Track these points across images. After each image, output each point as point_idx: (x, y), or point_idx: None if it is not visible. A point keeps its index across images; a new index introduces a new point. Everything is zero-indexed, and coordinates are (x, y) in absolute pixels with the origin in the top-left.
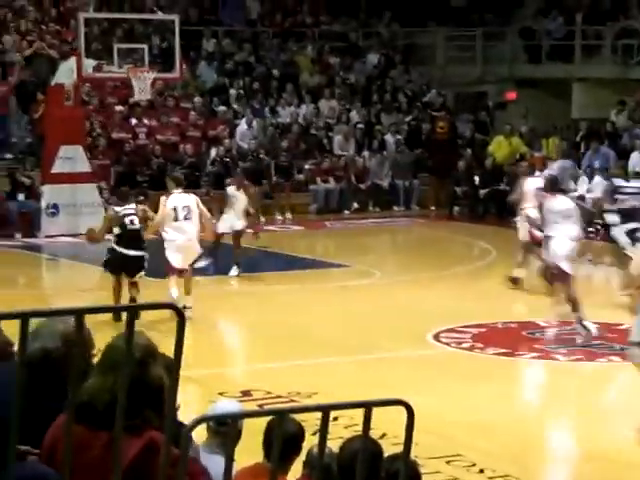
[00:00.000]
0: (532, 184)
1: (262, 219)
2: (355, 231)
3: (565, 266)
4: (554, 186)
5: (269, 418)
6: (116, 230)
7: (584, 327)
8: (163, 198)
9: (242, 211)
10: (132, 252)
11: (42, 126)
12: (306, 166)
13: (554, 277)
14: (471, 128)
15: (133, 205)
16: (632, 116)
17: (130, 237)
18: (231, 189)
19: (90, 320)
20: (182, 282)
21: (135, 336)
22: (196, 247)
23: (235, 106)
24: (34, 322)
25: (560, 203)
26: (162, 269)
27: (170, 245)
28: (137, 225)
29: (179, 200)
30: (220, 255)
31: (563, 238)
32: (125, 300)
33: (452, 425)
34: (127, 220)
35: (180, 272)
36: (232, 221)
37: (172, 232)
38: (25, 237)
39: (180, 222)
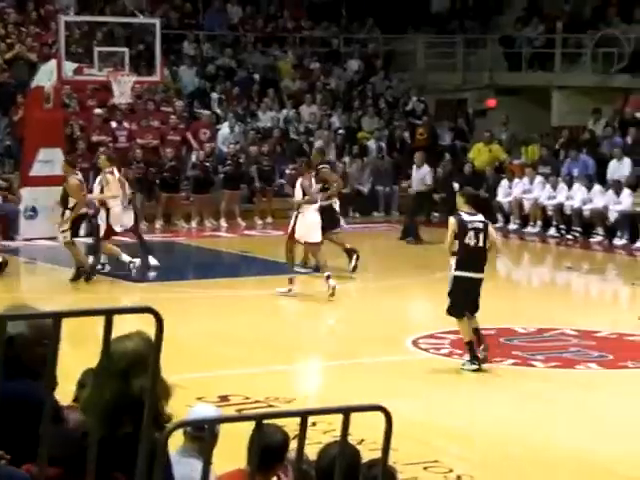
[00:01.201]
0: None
1: (242, 223)
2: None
3: None
4: None
5: (250, 424)
6: None
7: None
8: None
9: None
10: None
11: (21, 129)
12: (287, 171)
13: None
14: (451, 135)
15: None
16: (610, 124)
17: None
18: None
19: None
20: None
21: (129, 339)
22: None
23: (217, 110)
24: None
25: None
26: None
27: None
28: None
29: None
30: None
31: None
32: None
33: (430, 431)
34: None
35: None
36: None
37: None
38: (3, 240)
39: None
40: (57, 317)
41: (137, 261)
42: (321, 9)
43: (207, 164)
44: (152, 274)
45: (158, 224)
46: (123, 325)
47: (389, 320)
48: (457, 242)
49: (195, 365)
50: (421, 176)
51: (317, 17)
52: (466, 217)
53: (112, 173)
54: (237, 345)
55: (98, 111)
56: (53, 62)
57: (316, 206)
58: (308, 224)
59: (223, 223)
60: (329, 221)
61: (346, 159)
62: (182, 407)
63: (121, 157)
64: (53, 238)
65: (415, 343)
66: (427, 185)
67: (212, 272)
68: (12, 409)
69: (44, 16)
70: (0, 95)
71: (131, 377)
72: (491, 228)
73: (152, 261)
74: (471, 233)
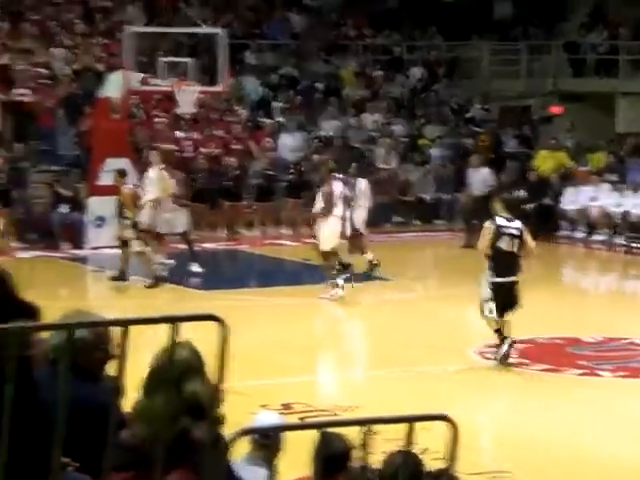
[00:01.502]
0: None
1: (304, 231)
2: (397, 245)
3: None
4: None
5: (313, 432)
6: None
7: None
8: None
9: None
10: None
11: (89, 139)
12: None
13: None
14: (515, 142)
15: None
16: None
17: None
18: None
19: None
20: None
21: (179, 348)
22: None
23: (279, 119)
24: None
25: None
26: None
27: None
28: None
29: None
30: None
31: None
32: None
33: (495, 441)
34: None
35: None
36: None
37: None
38: (71, 249)
39: None
40: (124, 324)
41: (168, 262)
42: (383, 17)
43: (269, 172)
44: (195, 280)
45: (221, 232)
46: (186, 332)
47: (453, 329)
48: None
49: (258, 373)
50: (480, 178)
51: (379, 25)
52: (502, 222)
53: (164, 170)
54: (300, 353)
55: (163, 121)
56: (120, 73)
57: (338, 214)
58: (325, 231)
59: (285, 231)
60: None
61: (409, 167)
62: (246, 415)
63: (185, 166)
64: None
65: (480, 352)
66: (489, 186)
67: (274, 280)
68: (74, 413)
69: (111, 27)
70: (68, 106)
71: (182, 383)
72: (527, 235)
73: (196, 268)
74: (506, 238)
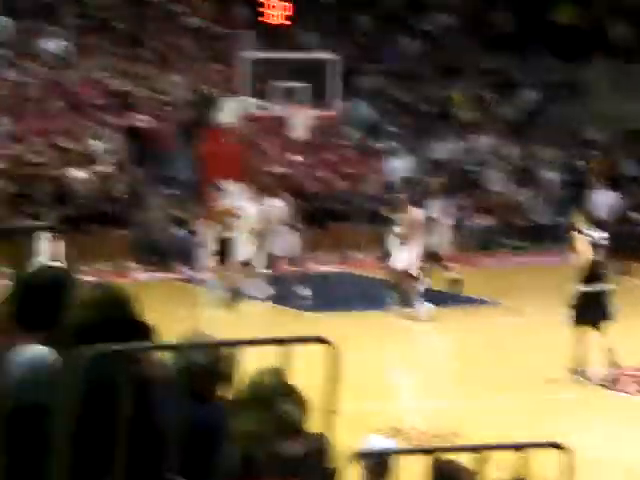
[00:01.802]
0: None
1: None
2: (509, 268)
3: None
4: None
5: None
6: None
7: None
8: None
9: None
10: None
11: (204, 163)
12: (461, 202)
13: None
14: (636, 166)
15: None
16: None
17: None
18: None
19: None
20: None
21: (269, 372)
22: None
23: (390, 143)
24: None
25: None
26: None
27: None
28: None
29: None
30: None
31: None
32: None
33: (609, 468)
34: None
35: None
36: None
37: None
38: (186, 270)
39: None
40: (234, 346)
41: (263, 288)
42: (497, 39)
43: (380, 196)
44: (303, 302)
45: (330, 255)
46: (294, 354)
47: (563, 354)
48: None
49: (368, 396)
50: (604, 202)
51: (494, 47)
52: (592, 233)
53: (263, 196)
54: (409, 376)
55: (276, 145)
56: (235, 98)
57: (418, 237)
58: (404, 253)
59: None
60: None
61: (521, 190)
62: (357, 438)
63: (296, 189)
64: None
65: (592, 378)
66: (614, 210)
67: (382, 302)
68: (189, 434)
69: (227, 53)
70: (185, 131)
71: (275, 404)
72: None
73: (304, 291)
74: (597, 248)
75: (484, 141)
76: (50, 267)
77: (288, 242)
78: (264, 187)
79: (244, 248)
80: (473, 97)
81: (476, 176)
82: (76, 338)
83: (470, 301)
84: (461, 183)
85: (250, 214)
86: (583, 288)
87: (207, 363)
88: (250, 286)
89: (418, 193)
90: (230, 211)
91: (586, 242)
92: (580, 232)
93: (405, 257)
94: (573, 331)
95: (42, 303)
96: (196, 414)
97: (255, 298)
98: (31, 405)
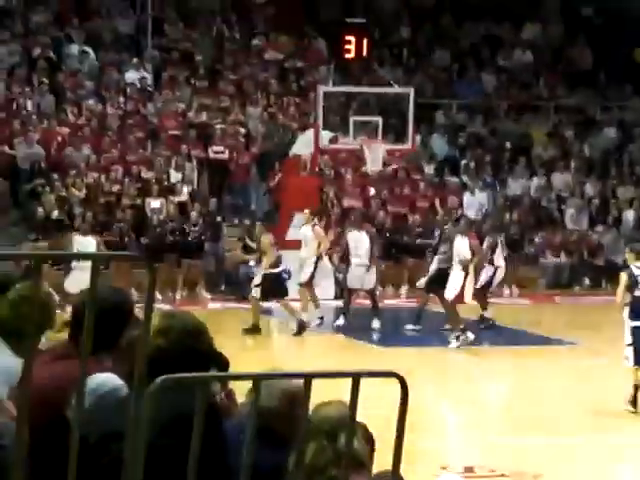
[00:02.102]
0: None
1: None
2: (586, 308)
3: None
4: None
5: None
6: None
7: None
8: None
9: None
10: None
11: (278, 194)
12: (536, 239)
13: None
14: None
15: None
16: None
17: None
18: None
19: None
20: None
21: (330, 405)
22: None
23: (465, 178)
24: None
25: None
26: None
27: None
28: None
29: None
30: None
31: None
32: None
33: None
34: None
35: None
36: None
37: None
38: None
39: None
40: (307, 378)
41: (313, 320)
42: (577, 76)
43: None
44: (375, 336)
45: (403, 289)
46: (365, 388)
47: None
48: (628, 294)
49: (439, 432)
50: None
51: (573, 84)
52: (636, 271)
53: (317, 226)
54: (482, 413)
55: (352, 178)
56: (311, 131)
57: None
58: (451, 280)
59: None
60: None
61: (600, 228)
62: (428, 475)
63: (371, 223)
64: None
65: None
66: None
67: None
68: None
69: (304, 87)
70: (261, 162)
71: (340, 437)
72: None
73: (376, 324)
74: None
75: (562, 178)
76: (111, 290)
77: (366, 275)
78: (349, 220)
79: (305, 274)
80: (552, 134)
81: (553, 213)
82: (151, 366)
83: (546, 340)
84: (538, 220)
85: (317, 242)
86: (631, 323)
87: (283, 407)
88: (312, 316)
89: (487, 227)
90: (297, 243)
91: (626, 280)
92: (627, 269)
93: (459, 287)
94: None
95: (101, 326)
96: (271, 459)
97: (321, 328)
98: (102, 434)
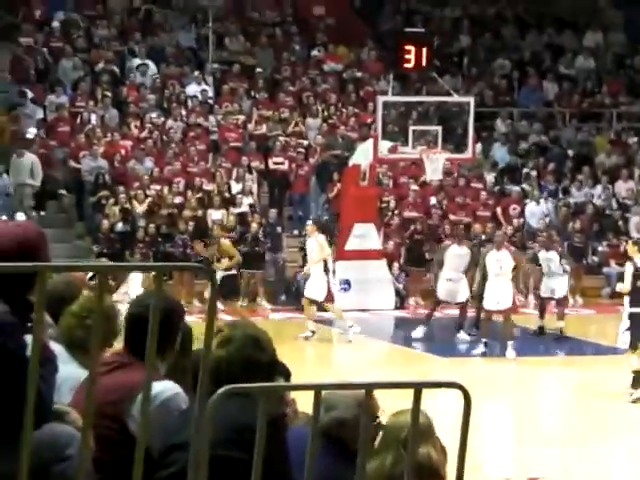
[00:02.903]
0: None
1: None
2: None
3: None
4: None
5: None
6: None
7: None
8: None
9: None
10: None
11: (337, 204)
12: (600, 248)
13: None
14: None
15: None
16: None
17: None
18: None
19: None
20: None
21: (406, 413)
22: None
23: (525, 186)
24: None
25: None
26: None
27: None
28: None
29: None
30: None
31: None
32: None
33: None
34: None
35: None
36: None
37: None
38: (318, 311)
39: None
40: (368, 388)
41: (352, 328)
42: (639, 83)
43: (515, 239)
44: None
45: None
46: (427, 398)
47: None
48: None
49: (504, 443)
50: None
51: (636, 91)
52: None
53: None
54: (546, 424)
55: (413, 187)
56: (370, 141)
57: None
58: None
59: (531, 299)
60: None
61: None
62: None
63: (432, 233)
64: (366, 310)
65: None
66: None
67: (527, 349)
68: None
69: (363, 97)
70: (320, 173)
71: (414, 446)
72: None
73: (461, 335)
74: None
75: (625, 186)
76: (164, 298)
77: (458, 288)
78: (451, 234)
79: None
80: (615, 141)
81: (617, 221)
82: (213, 377)
83: (611, 350)
84: (601, 228)
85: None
86: (629, 310)
87: (353, 419)
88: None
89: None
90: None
91: (632, 271)
92: (631, 260)
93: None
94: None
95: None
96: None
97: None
98: (165, 445)
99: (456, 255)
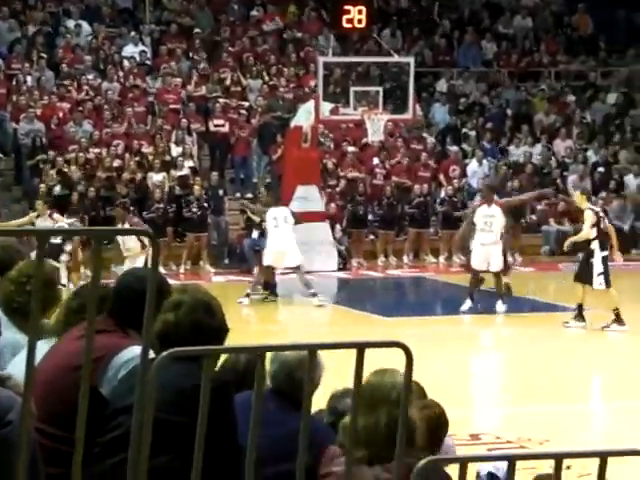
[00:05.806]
0: None
1: None
2: None
3: None
4: None
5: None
6: None
7: None
8: None
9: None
10: None
11: (280, 166)
12: (539, 207)
13: None
14: None
15: None
16: None
17: None
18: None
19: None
20: None
21: (391, 373)
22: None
23: (465, 146)
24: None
25: None
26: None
27: None
28: None
29: None
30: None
31: None
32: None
33: None
34: None
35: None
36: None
37: None
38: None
39: None
40: (311, 349)
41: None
42: (578, 42)
43: (456, 200)
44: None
45: (406, 259)
46: (370, 358)
47: None
48: (594, 230)
49: (444, 402)
50: None
51: (574, 51)
52: (596, 209)
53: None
54: (486, 382)
55: (351, 149)
56: (311, 102)
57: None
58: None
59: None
60: None
61: (603, 194)
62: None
63: (374, 193)
64: (310, 272)
65: None
66: None
67: (457, 308)
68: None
69: (303, 58)
70: (261, 135)
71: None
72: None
73: (500, 307)
74: (604, 220)
75: (564, 144)
76: (145, 269)
77: (492, 255)
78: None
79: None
80: (553, 100)
81: (555, 180)
82: (162, 341)
83: (550, 307)
84: (540, 187)
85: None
86: (601, 254)
87: (301, 369)
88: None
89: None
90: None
91: (593, 217)
92: (589, 208)
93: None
94: None
95: (136, 305)
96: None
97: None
98: (124, 406)
99: (487, 215)
